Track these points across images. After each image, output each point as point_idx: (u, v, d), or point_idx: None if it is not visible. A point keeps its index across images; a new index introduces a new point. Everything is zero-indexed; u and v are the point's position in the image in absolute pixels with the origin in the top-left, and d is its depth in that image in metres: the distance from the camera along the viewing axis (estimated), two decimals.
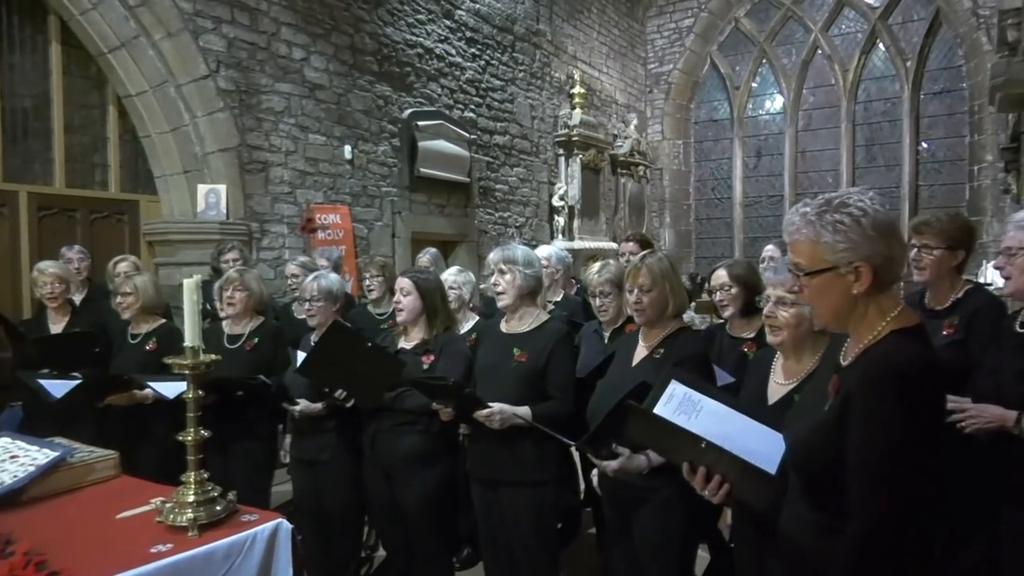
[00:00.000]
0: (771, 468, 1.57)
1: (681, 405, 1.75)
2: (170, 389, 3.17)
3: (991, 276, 7.13)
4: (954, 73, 10.07)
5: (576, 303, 4.29)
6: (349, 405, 3.00)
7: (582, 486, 3.82)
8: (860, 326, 1.46)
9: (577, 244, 9.30)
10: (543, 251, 4.24)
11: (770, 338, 2.14)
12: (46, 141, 5.03)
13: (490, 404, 2.59)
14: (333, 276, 3.49)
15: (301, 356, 3.09)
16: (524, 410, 2.61)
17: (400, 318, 3.07)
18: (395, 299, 3.08)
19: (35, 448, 2.16)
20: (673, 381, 1.76)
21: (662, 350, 2.36)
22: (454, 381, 2.64)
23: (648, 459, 2.19)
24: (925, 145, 10.48)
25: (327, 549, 3.26)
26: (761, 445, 1.62)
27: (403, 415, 2.92)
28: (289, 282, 4.67)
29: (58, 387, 3.16)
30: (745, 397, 2.24)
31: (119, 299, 3.66)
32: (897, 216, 10.29)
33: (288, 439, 3.51)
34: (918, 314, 2.58)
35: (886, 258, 1.40)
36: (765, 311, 2.14)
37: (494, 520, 2.80)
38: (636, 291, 2.39)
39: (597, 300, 3.13)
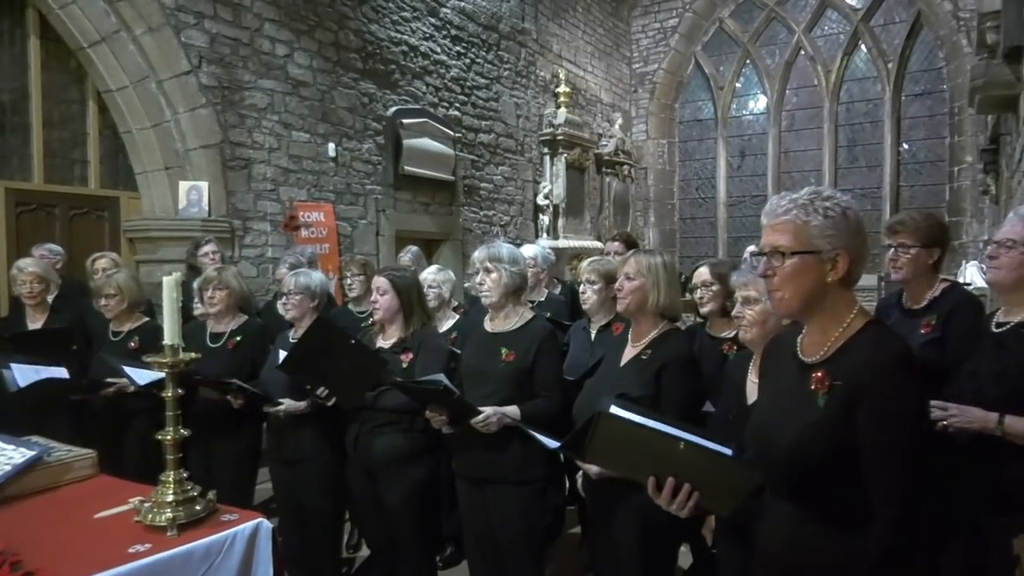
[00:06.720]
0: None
1: None
2: (143, 377, 3.15)
3: (970, 276, 7.23)
4: (935, 75, 10.17)
5: (559, 302, 4.30)
6: (330, 404, 2.99)
7: (567, 484, 3.83)
8: (823, 318, 1.50)
9: (562, 243, 9.31)
10: (528, 250, 4.25)
11: (741, 334, 2.23)
12: (24, 136, 4.96)
13: (481, 408, 2.57)
14: (316, 274, 3.48)
15: (283, 355, 3.05)
16: (513, 409, 2.62)
17: (377, 317, 3.07)
18: (372, 298, 3.09)
19: (11, 447, 2.14)
20: (614, 407, 1.73)
21: (649, 351, 2.36)
22: (444, 386, 2.59)
23: None
24: (906, 146, 10.58)
25: (308, 548, 3.24)
26: None
27: (385, 414, 2.91)
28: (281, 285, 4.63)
29: (25, 375, 3.16)
30: (724, 400, 2.28)
31: (103, 301, 3.58)
32: (879, 217, 10.41)
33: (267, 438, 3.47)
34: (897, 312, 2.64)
35: (860, 255, 1.47)
36: (734, 312, 2.24)
37: (480, 518, 2.79)
38: (622, 277, 2.43)
39: (581, 287, 3.26)
